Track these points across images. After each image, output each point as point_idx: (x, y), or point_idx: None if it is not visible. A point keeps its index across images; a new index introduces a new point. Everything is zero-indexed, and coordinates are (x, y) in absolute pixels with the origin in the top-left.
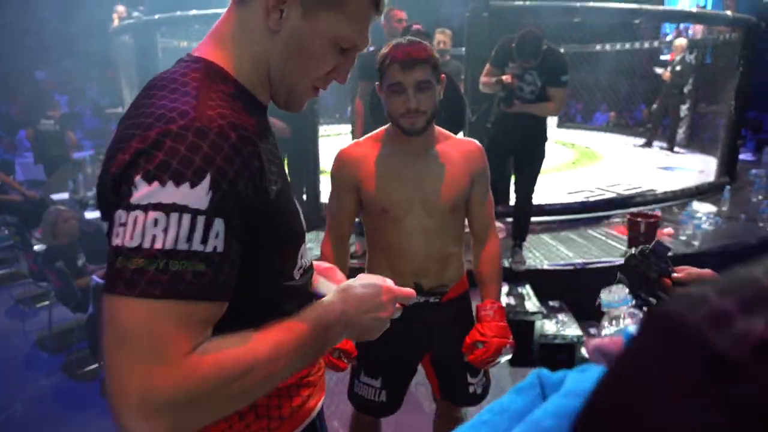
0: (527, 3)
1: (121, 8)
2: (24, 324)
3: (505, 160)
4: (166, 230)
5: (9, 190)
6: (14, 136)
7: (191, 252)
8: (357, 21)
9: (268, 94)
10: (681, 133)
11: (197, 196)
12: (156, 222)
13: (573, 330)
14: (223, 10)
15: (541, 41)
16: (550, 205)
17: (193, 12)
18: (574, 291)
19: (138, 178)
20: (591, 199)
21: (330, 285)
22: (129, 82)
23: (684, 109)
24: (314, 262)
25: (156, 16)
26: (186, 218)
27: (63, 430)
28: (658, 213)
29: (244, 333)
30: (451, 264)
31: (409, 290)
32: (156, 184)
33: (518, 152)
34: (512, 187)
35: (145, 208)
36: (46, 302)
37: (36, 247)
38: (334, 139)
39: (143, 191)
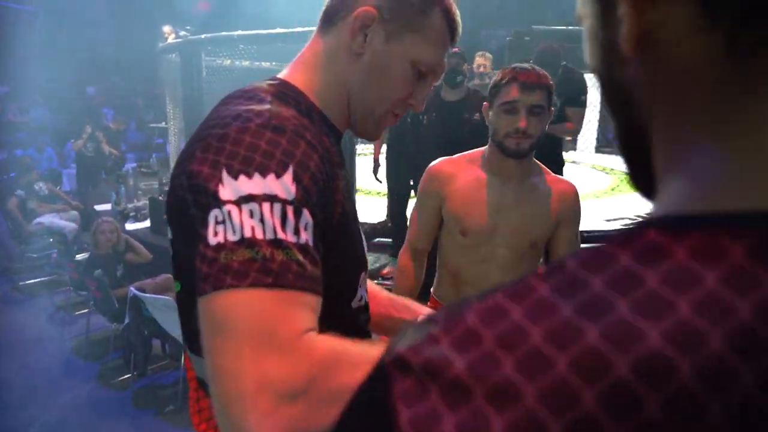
0: (569, 28)
1: (167, 29)
2: (63, 331)
3: None
4: (262, 220)
5: (56, 200)
6: (63, 147)
7: (290, 242)
8: (435, 46)
9: (346, 121)
10: None
11: (284, 186)
12: (252, 213)
13: None
14: (267, 31)
15: (560, 57)
16: (588, 232)
17: (238, 32)
18: None
19: (224, 175)
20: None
21: None
22: (173, 98)
23: None
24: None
25: (202, 36)
26: (277, 207)
27: None
28: None
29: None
30: None
31: None
32: (243, 177)
33: None
34: None
35: (237, 202)
36: (85, 310)
37: (78, 257)
38: (367, 158)
39: (232, 186)
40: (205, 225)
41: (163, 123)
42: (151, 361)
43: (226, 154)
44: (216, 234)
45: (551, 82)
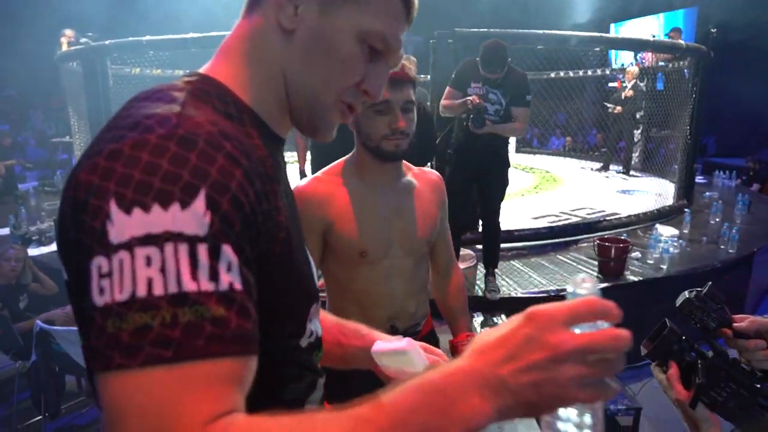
0: (491, 30)
1: (69, 32)
2: None
3: (469, 186)
4: (163, 269)
5: None
6: None
7: (202, 293)
8: (385, 16)
9: (286, 120)
10: (635, 157)
11: (192, 218)
12: (148, 260)
13: None
14: (179, 36)
15: (507, 51)
16: (519, 230)
17: (147, 37)
18: None
19: (113, 208)
20: (558, 224)
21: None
22: (77, 110)
23: (637, 134)
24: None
25: (107, 42)
26: (183, 248)
27: None
28: (627, 238)
29: (294, 415)
30: (422, 302)
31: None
32: (138, 211)
33: (482, 178)
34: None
35: (129, 245)
36: None
37: None
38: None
39: (123, 224)
40: (88, 276)
41: (68, 137)
42: (65, 400)
43: (117, 179)
44: (102, 292)
45: (415, 76)
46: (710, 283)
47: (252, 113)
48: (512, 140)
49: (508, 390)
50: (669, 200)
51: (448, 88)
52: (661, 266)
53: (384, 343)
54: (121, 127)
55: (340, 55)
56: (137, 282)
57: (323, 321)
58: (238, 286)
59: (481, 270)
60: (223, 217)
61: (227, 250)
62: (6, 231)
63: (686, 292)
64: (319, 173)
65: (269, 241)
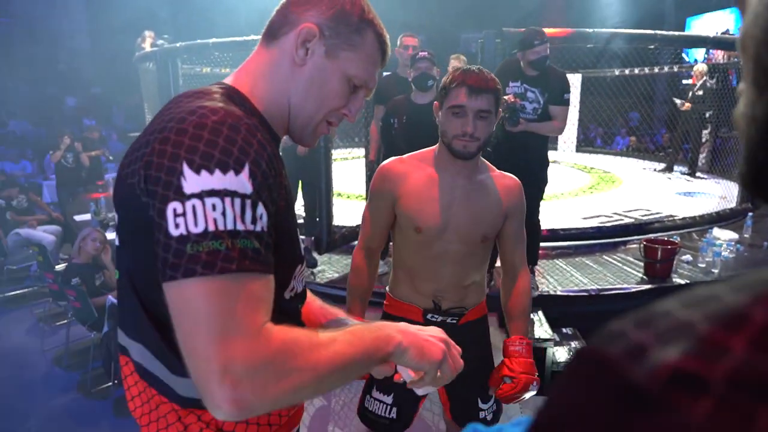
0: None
1: (150, 33)
2: (43, 342)
3: None
4: (224, 213)
5: (36, 211)
6: (43, 159)
7: (248, 231)
8: (368, 64)
9: (284, 128)
10: (702, 158)
11: (241, 182)
12: (214, 207)
13: None
14: (240, 38)
15: (545, 36)
16: (564, 230)
17: (213, 40)
18: (588, 318)
19: (185, 168)
20: (608, 225)
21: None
22: (152, 107)
23: (705, 134)
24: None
25: (177, 44)
26: (237, 201)
27: None
28: (678, 240)
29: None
30: (472, 290)
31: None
32: (204, 173)
33: (519, 177)
34: None
35: (200, 195)
36: (65, 321)
37: (57, 267)
38: (351, 163)
39: (194, 180)
40: (163, 216)
41: None
42: None
43: (186, 148)
44: (177, 226)
45: (499, 87)
46: None
47: (262, 117)
48: (571, 139)
49: (413, 336)
50: (732, 204)
51: None
52: (713, 270)
53: None
54: (179, 113)
55: (332, 88)
56: (207, 220)
57: (311, 305)
58: (266, 229)
59: None
60: (258, 184)
61: (260, 206)
62: (88, 216)
63: None
64: (405, 156)
65: (274, 205)
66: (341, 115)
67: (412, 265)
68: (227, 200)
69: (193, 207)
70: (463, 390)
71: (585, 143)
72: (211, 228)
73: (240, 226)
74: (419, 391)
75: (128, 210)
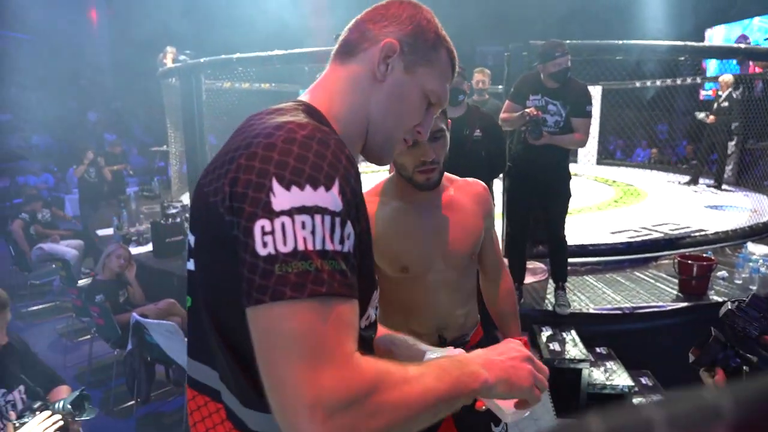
0: (568, 42)
1: (171, 48)
2: (65, 358)
3: (529, 198)
4: (313, 231)
5: (59, 225)
6: (65, 173)
7: (335, 251)
8: (442, 79)
9: (358, 148)
10: (729, 170)
11: (333, 198)
12: (303, 225)
13: (623, 380)
14: (264, 53)
15: (564, 47)
16: (594, 245)
17: (237, 55)
18: (623, 336)
19: (275, 184)
20: (637, 239)
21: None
22: (174, 121)
23: (731, 145)
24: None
25: (201, 60)
26: (327, 219)
27: None
28: (712, 256)
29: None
30: (471, 312)
31: (544, 367)
32: (295, 188)
33: (542, 190)
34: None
35: (290, 212)
36: (87, 336)
37: (80, 282)
38: (374, 176)
39: (285, 197)
40: (250, 234)
41: (165, 146)
42: (155, 388)
43: (275, 163)
44: (265, 245)
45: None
46: (753, 293)
47: (338, 137)
48: (592, 152)
49: (498, 367)
50: (765, 217)
51: (507, 101)
52: (751, 287)
53: (437, 350)
54: (264, 128)
55: (411, 103)
56: (297, 239)
57: (378, 331)
58: (352, 251)
59: (552, 284)
60: (348, 201)
61: (348, 225)
62: (110, 231)
63: (729, 303)
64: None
65: (359, 225)
66: (415, 132)
67: (406, 307)
68: (317, 217)
69: (282, 225)
70: (473, 417)
71: (605, 155)
72: (301, 247)
73: (329, 246)
74: (508, 419)
75: (208, 231)
